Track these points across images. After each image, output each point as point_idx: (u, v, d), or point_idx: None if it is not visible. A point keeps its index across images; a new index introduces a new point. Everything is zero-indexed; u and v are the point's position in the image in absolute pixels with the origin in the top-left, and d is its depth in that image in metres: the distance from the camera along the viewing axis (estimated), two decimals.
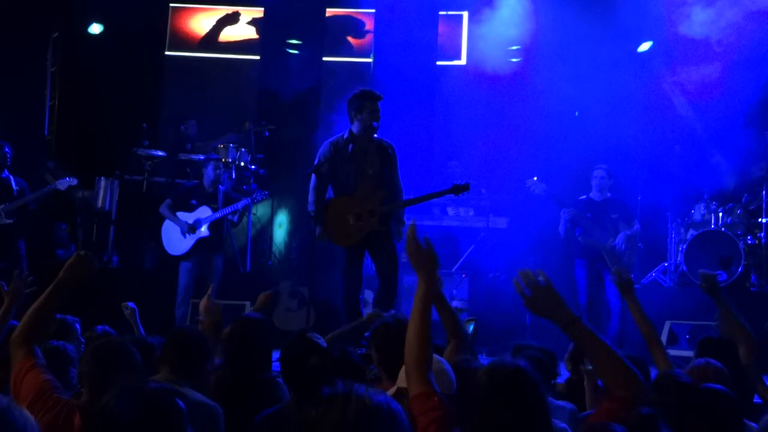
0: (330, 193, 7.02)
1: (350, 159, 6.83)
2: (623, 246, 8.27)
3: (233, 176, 10.05)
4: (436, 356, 3.47)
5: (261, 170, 10.59)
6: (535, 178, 8.48)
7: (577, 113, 10.19)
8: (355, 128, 6.90)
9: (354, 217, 6.78)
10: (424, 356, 3.06)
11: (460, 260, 9.69)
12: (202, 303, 4.92)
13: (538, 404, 2.78)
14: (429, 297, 3.18)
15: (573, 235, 8.43)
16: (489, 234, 9.78)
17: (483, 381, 2.80)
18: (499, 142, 10.35)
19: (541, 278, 2.94)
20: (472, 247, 9.76)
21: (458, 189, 6.76)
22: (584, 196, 8.51)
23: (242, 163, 10.31)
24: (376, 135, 6.96)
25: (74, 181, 9.19)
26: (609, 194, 8.53)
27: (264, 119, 10.92)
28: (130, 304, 5.82)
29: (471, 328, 4.47)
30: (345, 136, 6.94)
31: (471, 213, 9.93)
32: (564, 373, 4.84)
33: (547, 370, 4.21)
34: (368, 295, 8.62)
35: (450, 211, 10.01)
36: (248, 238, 10.00)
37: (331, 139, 7.03)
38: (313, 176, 6.87)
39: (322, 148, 7.03)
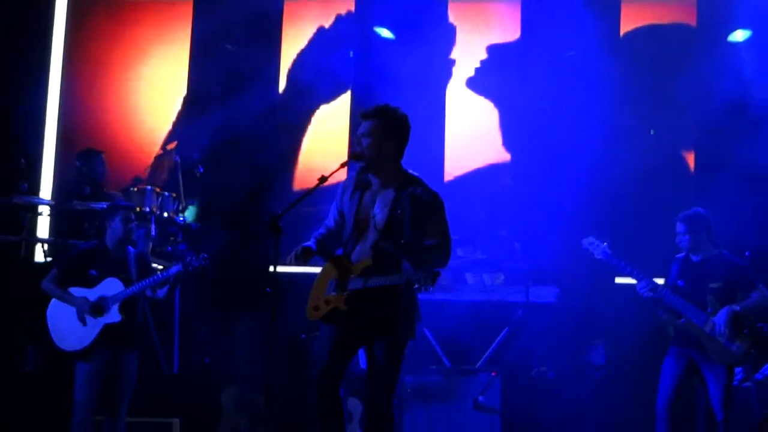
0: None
1: (351, 201, 5.37)
2: (723, 328, 6.58)
3: (153, 232, 8.55)
4: None
5: (193, 224, 9.08)
6: (592, 238, 7.01)
7: (652, 131, 9.35)
8: None
9: (334, 286, 5.31)
10: None
11: (488, 351, 8.16)
12: None
13: None
14: None
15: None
16: (529, 312, 8.14)
17: None
18: (537, 178, 9.03)
19: None
20: (506, 331, 8.19)
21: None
22: (682, 254, 7.05)
23: (165, 214, 8.76)
24: (416, 176, 5.29)
25: None
26: (715, 251, 6.92)
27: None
28: None
29: None
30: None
31: (501, 280, 8.24)
32: None
33: None
34: (353, 404, 7.57)
35: (470, 278, 8.28)
36: (176, 325, 8.39)
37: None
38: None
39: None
